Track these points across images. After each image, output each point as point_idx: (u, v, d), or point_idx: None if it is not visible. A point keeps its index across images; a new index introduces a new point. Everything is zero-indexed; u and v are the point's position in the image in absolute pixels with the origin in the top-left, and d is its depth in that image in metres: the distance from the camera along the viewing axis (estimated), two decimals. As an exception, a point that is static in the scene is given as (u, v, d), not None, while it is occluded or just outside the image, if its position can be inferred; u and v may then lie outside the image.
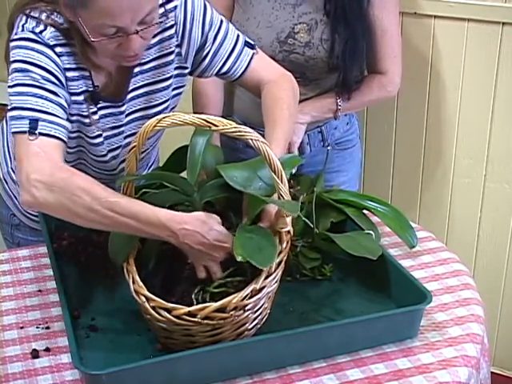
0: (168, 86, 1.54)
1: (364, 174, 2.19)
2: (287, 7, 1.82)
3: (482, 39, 2.13)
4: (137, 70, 1.49)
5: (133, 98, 1.51)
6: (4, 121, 1.68)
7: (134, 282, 1.24)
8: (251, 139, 1.17)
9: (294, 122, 1.57)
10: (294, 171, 1.58)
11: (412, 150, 2.37)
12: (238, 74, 1.58)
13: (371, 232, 1.49)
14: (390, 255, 1.45)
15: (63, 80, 1.39)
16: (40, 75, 1.34)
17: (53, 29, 1.37)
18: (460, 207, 2.35)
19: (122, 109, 1.50)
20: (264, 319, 1.30)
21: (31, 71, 1.34)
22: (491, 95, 2.18)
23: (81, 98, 1.44)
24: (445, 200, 2.37)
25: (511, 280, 2.35)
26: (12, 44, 1.38)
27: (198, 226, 1.23)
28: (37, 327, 1.36)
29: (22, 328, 1.36)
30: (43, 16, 1.38)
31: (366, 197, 1.59)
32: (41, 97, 1.33)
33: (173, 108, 1.59)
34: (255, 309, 1.24)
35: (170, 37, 1.49)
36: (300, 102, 1.87)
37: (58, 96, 1.36)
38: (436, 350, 1.28)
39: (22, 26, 1.37)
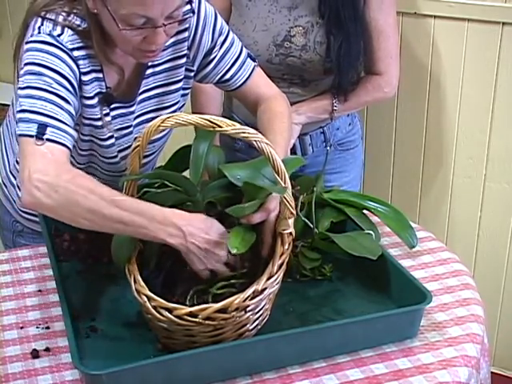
0: (178, 89, 1.54)
1: (364, 174, 2.19)
2: (283, 10, 1.81)
3: (481, 39, 2.14)
4: (149, 71, 1.49)
5: (144, 100, 1.51)
6: (4, 124, 1.67)
7: (135, 282, 1.23)
8: (255, 140, 1.17)
9: (291, 135, 1.58)
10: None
11: (412, 150, 2.37)
12: (239, 83, 1.58)
13: (371, 232, 1.49)
14: (390, 255, 1.45)
15: (77, 86, 1.37)
16: (54, 80, 1.32)
17: (70, 31, 1.36)
18: (460, 207, 2.35)
19: (132, 109, 1.50)
20: (265, 320, 1.30)
21: (45, 75, 1.31)
22: (491, 95, 2.18)
23: (94, 101, 1.43)
24: (445, 200, 2.37)
25: (511, 280, 2.35)
26: (27, 46, 1.35)
27: (202, 222, 1.23)
28: (37, 327, 1.36)
29: (22, 328, 1.35)
30: (60, 18, 1.36)
31: (366, 197, 1.59)
32: (52, 102, 1.30)
33: (181, 107, 1.60)
34: (256, 310, 1.24)
35: (184, 40, 1.50)
36: (297, 102, 1.87)
37: (69, 103, 1.33)
38: (436, 349, 1.28)
39: (39, 29, 1.35)
